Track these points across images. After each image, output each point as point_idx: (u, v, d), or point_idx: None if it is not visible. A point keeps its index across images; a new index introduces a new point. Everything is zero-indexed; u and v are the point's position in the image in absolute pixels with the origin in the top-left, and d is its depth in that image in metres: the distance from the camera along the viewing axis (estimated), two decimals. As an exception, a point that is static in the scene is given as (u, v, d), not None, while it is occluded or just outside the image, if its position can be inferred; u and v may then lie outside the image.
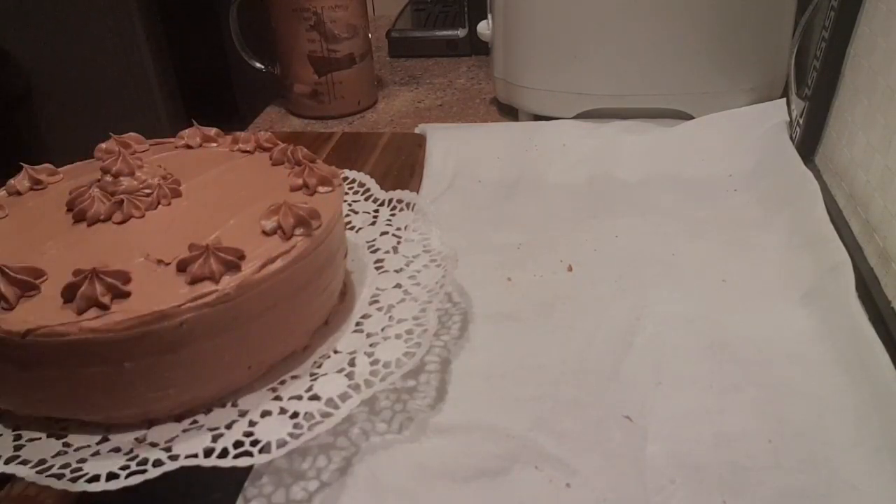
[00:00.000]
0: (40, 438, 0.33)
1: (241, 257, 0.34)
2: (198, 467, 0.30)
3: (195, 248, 0.33)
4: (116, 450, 0.32)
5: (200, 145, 0.46)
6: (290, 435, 0.32)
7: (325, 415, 0.33)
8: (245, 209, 0.38)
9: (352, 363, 0.36)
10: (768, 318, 0.43)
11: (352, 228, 0.48)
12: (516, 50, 0.68)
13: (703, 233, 0.51)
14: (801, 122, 0.56)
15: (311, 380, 0.36)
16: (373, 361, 0.36)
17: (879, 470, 0.32)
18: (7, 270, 0.32)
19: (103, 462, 0.31)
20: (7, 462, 0.31)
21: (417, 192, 0.57)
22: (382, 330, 0.38)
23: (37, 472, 0.30)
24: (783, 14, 0.63)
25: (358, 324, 0.40)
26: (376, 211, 0.50)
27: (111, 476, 0.30)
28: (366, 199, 0.51)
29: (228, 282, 0.33)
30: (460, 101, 0.80)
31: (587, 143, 0.63)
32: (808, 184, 0.51)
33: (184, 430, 0.33)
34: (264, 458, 0.31)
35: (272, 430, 0.32)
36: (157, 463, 0.30)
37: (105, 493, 0.29)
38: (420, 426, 0.36)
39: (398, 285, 0.42)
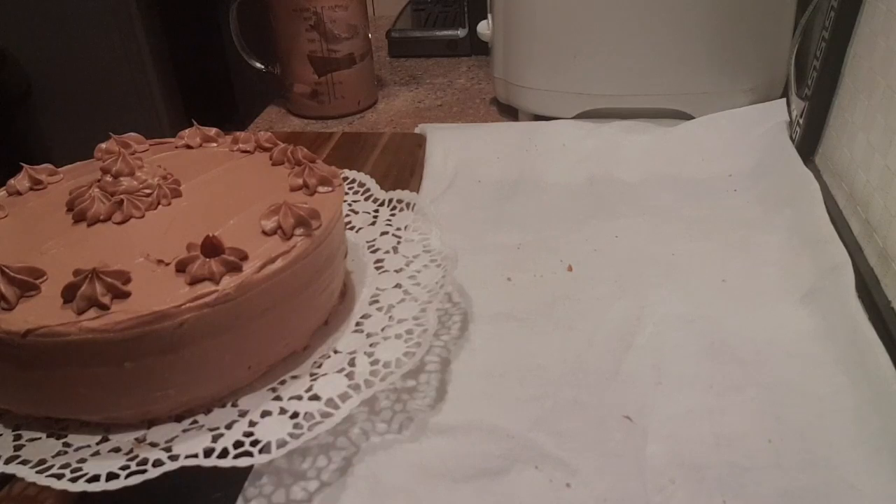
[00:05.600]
0: (40, 438, 0.33)
1: (244, 258, 0.34)
2: (198, 467, 0.30)
3: (193, 247, 0.33)
4: (116, 450, 0.32)
5: (200, 145, 0.46)
6: (290, 435, 0.32)
7: (325, 415, 0.33)
8: (245, 209, 0.38)
9: (352, 363, 0.36)
10: (768, 318, 0.42)
11: (352, 228, 0.48)
12: (516, 50, 0.68)
13: (703, 233, 0.51)
14: (801, 122, 0.56)
15: (311, 380, 0.36)
16: (373, 361, 0.36)
17: (879, 470, 0.32)
18: (7, 270, 0.32)
19: (103, 462, 0.31)
20: (7, 462, 0.31)
21: (417, 192, 0.57)
22: (382, 330, 0.38)
23: (37, 472, 0.30)
24: (783, 14, 0.63)
25: (358, 324, 0.40)
26: (376, 211, 0.50)
27: (111, 476, 0.30)
28: (366, 199, 0.51)
29: (228, 282, 0.33)
30: (460, 101, 0.80)
31: (587, 143, 0.63)
32: (808, 184, 0.51)
33: (184, 430, 0.33)
34: (264, 458, 0.31)
35: (272, 430, 0.32)
36: (157, 463, 0.30)
37: (105, 493, 0.29)
38: (420, 426, 0.36)
39: (398, 285, 0.42)
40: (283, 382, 0.36)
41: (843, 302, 0.40)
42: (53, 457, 0.32)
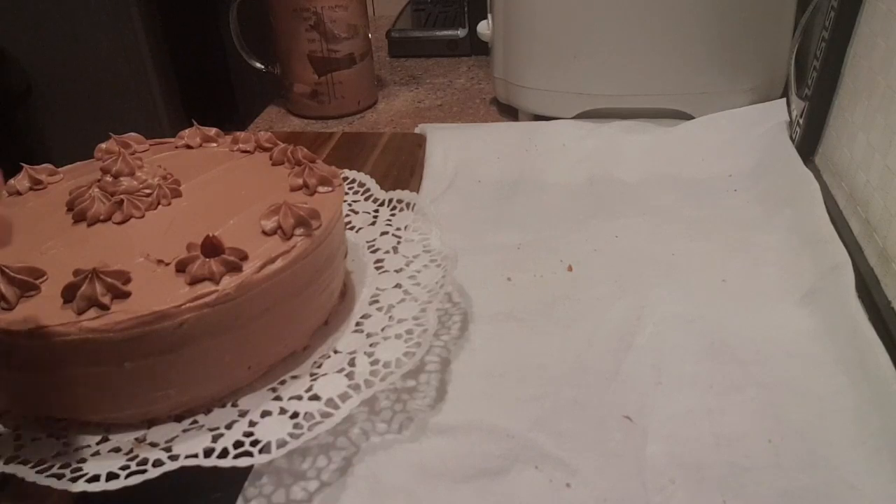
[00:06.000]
0: (40, 438, 0.33)
1: (244, 258, 0.34)
2: (198, 467, 0.30)
3: (193, 247, 0.33)
4: (116, 450, 0.32)
5: (200, 145, 0.46)
6: (290, 435, 0.32)
7: (325, 415, 0.33)
8: (245, 209, 0.38)
9: (352, 363, 0.36)
10: (768, 317, 0.42)
11: (352, 228, 0.48)
12: (516, 50, 0.68)
13: (703, 233, 0.51)
14: (801, 122, 0.56)
15: (311, 380, 0.36)
16: (373, 361, 0.36)
17: (879, 470, 0.32)
18: (7, 270, 0.32)
19: (103, 462, 0.31)
20: (7, 462, 0.31)
21: (417, 192, 0.57)
22: (382, 330, 0.39)
23: (37, 472, 0.30)
24: (783, 14, 0.63)
25: (358, 324, 0.40)
26: (376, 211, 0.50)
27: (111, 476, 0.30)
28: (366, 199, 0.51)
29: (228, 282, 0.33)
30: (460, 101, 0.80)
31: (587, 143, 0.63)
32: (808, 184, 0.51)
33: (184, 430, 0.33)
34: (264, 458, 0.31)
35: (272, 430, 0.32)
36: (157, 463, 0.30)
37: (105, 493, 0.29)
38: (420, 426, 0.36)
39: (398, 285, 0.42)
40: (283, 382, 0.36)
41: (843, 302, 0.40)
42: (53, 457, 0.32)
